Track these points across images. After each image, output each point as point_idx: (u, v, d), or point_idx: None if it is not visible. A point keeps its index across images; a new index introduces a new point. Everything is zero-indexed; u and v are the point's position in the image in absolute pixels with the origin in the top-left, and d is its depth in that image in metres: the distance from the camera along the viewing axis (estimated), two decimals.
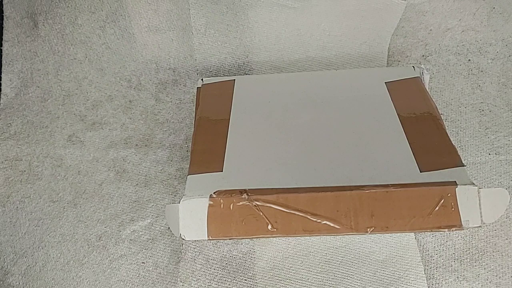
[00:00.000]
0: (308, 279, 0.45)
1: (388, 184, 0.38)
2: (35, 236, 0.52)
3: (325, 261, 0.45)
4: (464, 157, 0.51)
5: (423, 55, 0.58)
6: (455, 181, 0.38)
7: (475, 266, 0.49)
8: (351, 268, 0.45)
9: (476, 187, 0.37)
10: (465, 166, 0.41)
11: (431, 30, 0.59)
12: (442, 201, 0.38)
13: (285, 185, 0.39)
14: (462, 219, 0.37)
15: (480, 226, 0.39)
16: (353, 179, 0.39)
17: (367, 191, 0.38)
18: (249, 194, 0.38)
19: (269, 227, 0.38)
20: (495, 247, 0.49)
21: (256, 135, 0.45)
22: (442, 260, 0.49)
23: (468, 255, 0.49)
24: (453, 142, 0.43)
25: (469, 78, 0.56)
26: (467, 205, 0.37)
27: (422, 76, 0.50)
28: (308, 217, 0.38)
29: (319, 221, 0.38)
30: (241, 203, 0.38)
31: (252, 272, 0.46)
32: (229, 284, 0.48)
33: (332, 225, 0.38)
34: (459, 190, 0.37)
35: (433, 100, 0.48)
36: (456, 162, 0.40)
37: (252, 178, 0.41)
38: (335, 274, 0.45)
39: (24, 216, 0.53)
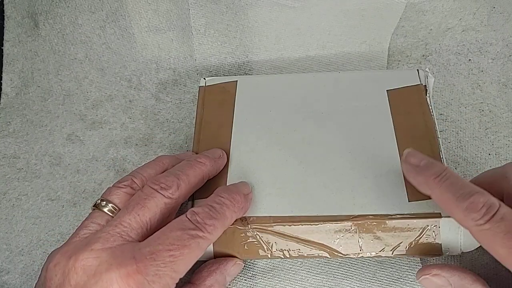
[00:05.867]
0: (308, 280, 0.45)
1: (376, 215, 0.41)
2: (32, 235, 0.52)
3: (325, 262, 0.45)
4: (464, 157, 0.51)
5: (423, 55, 0.58)
6: (440, 213, 0.40)
7: None
8: (351, 269, 0.45)
9: None
10: None
11: (431, 29, 0.59)
12: (426, 231, 0.40)
13: (282, 213, 0.42)
14: (443, 249, 0.40)
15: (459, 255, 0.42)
16: (345, 207, 0.42)
17: (359, 222, 0.41)
18: (248, 222, 0.42)
19: (268, 252, 0.42)
20: None
21: (257, 154, 0.47)
22: (442, 260, 0.49)
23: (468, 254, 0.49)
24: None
25: (469, 78, 0.56)
26: (449, 235, 0.40)
27: (426, 79, 0.50)
28: (303, 245, 0.42)
29: (313, 248, 0.42)
30: (241, 229, 0.42)
31: (252, 272, 0.46)
32: (229, 284, 0.48)
33: (324, 254, 0.42)
34: (443, 222, 0.40)
35: (433, 104, 0.49)
36: None
37: (253, 204, 0.43)
38: (334, 275, 0.45)
39: (21, 213, 0.53)
